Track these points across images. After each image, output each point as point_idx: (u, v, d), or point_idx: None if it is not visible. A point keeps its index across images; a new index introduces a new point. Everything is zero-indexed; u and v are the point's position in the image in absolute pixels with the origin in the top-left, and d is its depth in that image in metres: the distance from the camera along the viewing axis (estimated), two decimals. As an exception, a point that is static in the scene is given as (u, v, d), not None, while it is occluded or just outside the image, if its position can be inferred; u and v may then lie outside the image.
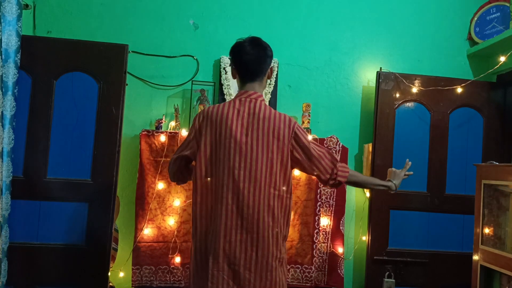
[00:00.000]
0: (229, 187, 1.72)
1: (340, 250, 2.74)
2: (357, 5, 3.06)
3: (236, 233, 1.71)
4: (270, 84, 2.85)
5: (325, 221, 2.73)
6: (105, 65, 2.54)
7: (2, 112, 2.14)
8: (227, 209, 1.71)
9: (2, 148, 2.15)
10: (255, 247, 1.71)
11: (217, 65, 2.90)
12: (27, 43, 2.43)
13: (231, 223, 1.71)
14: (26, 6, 2.49)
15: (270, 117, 1.78)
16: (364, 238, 2.91)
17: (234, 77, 1.92)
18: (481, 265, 2.22)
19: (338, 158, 2.73)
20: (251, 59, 1.85)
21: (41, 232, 2.45)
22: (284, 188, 1.78)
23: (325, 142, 2.75)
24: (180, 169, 1.91)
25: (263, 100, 1.86)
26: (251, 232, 1.71)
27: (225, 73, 2.84)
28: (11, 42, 2.28)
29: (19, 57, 2.32)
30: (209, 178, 1.77)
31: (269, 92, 2.85)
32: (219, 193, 1.73)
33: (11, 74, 2.27)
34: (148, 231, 2.62)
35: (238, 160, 1.73)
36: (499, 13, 2.92)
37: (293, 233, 2.71)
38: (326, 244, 2.73)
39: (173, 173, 1.93)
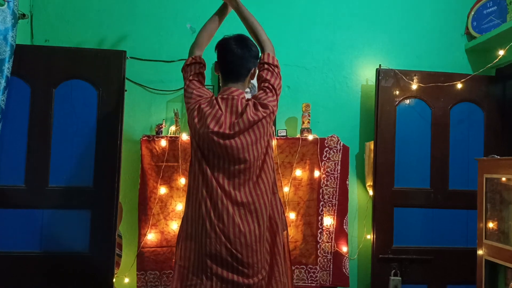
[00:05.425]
0: (219, 181, 1.74)
1: (344, 249, 2.73)
2: (354, 4, 3.05)
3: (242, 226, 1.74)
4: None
5: (328, 221, 2.73)
6: (103, 72, 2.55)
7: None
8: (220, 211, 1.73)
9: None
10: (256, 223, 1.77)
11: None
12: (24, 53, 2.44)
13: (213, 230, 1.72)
14: (23, 15, 2.49)
15: (248, 111, 1.78)
16: (368, 236, 2.90)
17: (216, 72, 1.92)
18: (485, 260, 2.21)
19: (340, 157, 2.74)
20: (235, 58, 1.83)
21: (44, 241, 2.45)
22: (271, 173, 1.84)
23: (325, 141, 2.74)
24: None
25: (244, 97, 1.85)
26: (252, 220, 1.76)
27: (224, 76, 2.83)
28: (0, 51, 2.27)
29: (7, 66, 2.30)
30: (204, 167, 1.77)
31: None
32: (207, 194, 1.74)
33: None
34: (151, 236, 2.62)
35: (226, 160, 1.75)
36: (495, 7, 2.91)
37: (296, 233, 2.70)
38: (330, 243, 2.72)
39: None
